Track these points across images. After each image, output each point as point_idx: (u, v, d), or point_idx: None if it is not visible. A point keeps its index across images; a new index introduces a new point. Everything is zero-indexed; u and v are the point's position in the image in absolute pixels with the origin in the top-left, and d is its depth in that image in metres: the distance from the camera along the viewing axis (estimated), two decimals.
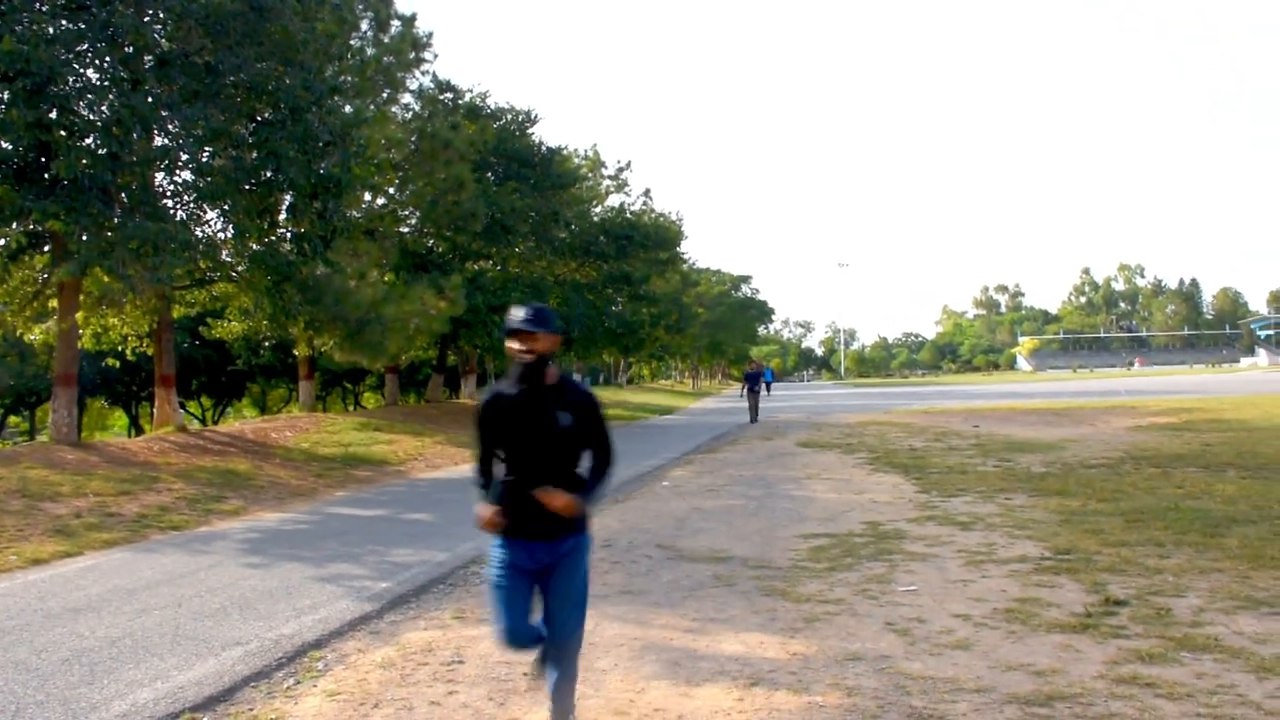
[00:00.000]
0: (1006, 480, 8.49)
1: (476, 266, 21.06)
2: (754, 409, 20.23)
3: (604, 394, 34.11)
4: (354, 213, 14.81)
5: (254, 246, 11.26)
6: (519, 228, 18.95)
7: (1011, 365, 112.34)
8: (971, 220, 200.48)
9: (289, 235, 11.80)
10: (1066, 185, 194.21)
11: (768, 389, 35.61)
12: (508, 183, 19.58)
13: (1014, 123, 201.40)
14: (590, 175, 27.16)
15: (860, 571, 5.04)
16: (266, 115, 10.51)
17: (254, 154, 10.36)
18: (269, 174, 10.41)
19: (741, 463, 11.52)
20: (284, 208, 11.70)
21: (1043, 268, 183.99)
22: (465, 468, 11.93)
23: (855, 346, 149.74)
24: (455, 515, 7.73)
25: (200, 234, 10.82)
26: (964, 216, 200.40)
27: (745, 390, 20.89)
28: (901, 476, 9.27)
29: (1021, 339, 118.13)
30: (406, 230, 18.79)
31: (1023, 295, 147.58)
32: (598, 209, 26.35)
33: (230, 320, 15.43)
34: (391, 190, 17.66)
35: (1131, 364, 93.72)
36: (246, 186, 10.45)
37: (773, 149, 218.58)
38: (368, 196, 16.80)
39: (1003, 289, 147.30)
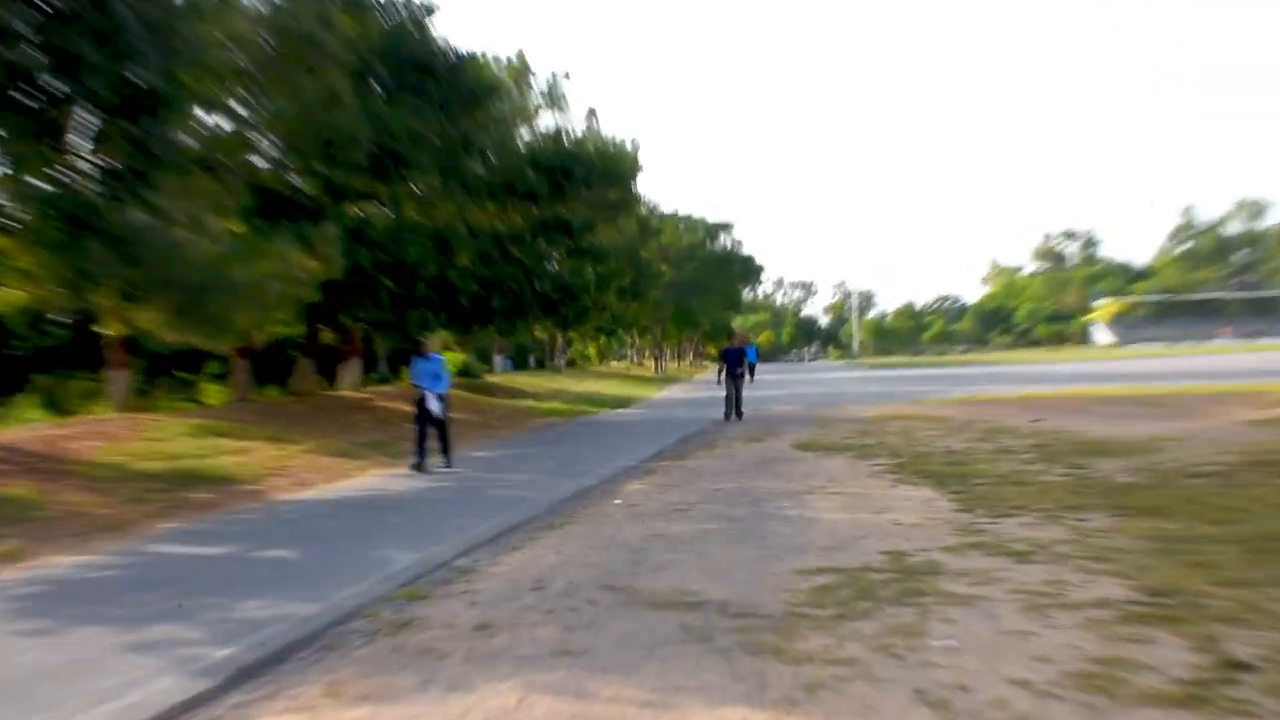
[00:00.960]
0: (1079, 494, 8.56)
1: (359, 212, 20.62)
2: (734, 400, 19.68)
3: (535, 381, 34.05)
4: (185, 138, 14.27)
5: (38, 184, 10.73)
6: (417, 159, 18.57)
7: (1084, 337, 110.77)
8: (1027, 143, 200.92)
9: (92, 169, 11.30)
10: (1160, 95, 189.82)
11: (751, 373, 35.92)
12: (401, 98, 19.15)
13: (1079, 8, 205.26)
14: (515, 90, 26.78)
15: (880, 620, 5.01)
16: (54, 1, 9.97)
17: (35, 55, 9.83)
18: (58, 83, 9.89)
19: (720, 472, 11.53)
20: (84, 132, 11.19)
21: (1126, 207, 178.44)
22: (347, 484, 11.73)
23: (872, 314, 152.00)
24: (332, 550, 7.57)
25: None
26: (1016, 137, 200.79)
27: (722, 374, 20.14)
28: (935, 489, 9.33)
29: (1097, 302, 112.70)
30: (261, 163, 18.27)
31: (1098, 244, 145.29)
32: (525, 134, 26.02)
33: (6, 286, 14.75)
34: (239, 108, 17.08)
35: (1213, 336, 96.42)
36: (23, 100, 9.91)
37: (754, 55, 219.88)
38: (205, 116, 16.22)
39: (1071, 236, 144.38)
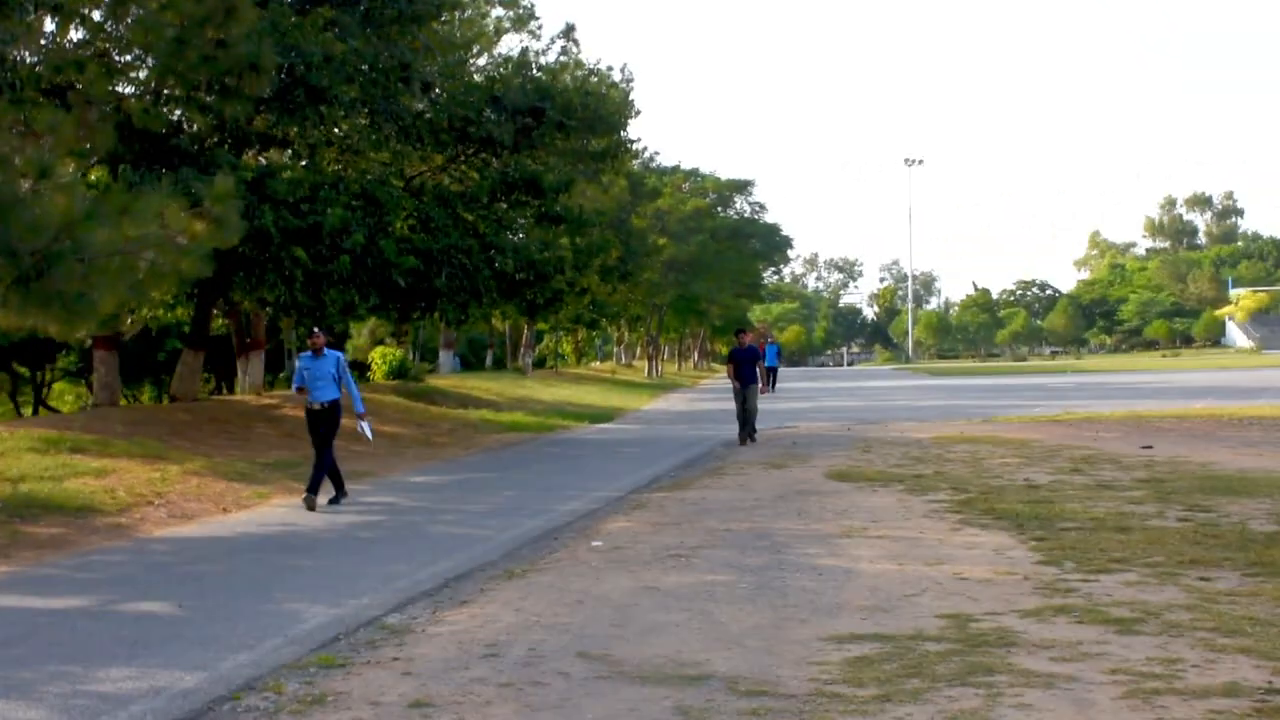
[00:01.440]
0: (1202, 545, 8.61)
1: (262, 160, 20.56)
2: (747, 414, 19.38)
3: (492, 386, 34.08)
4: (24, 54, 14.21)
5: None
6: (340, 91, 18.51)
7: (1216, 338, 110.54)
8: (1142, 81, 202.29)
9: None
10: None
11: (771, 380, 36.11)
12: (317, 10, 19.10)
13: None
14: (470, 2, 26.76)
15: (934, 705, 5.02)
16: None
17: None
18: None
19: (730, 508, 11.54)
20: None
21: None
22: (244, 517, 11.73)
23: (933, 305, 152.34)
24: (222, 603, 7.58)
25: None
26: (1127, 74, 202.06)
27: (733, 379, 19.66)
28: (1011, 535, 9.37)
29: (1235, 291, 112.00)
30: (129, 91, 18.18)
31: (1240, 214, 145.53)
32: (483, 60, 26.01)
33: None
34: (97, 15, 17.02)
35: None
36: None
37: None
38: (49, 26, 16.16)
39: (1202, 202, 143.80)
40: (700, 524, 10.53)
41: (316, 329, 13.12)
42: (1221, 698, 5.02)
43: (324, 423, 12.63)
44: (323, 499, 12.42)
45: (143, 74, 18.34)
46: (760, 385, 19.85)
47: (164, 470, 13.81)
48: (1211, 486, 11.86)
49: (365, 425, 13.30)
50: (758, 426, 19.64)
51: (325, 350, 12.83)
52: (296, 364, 13.48)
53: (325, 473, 12.48)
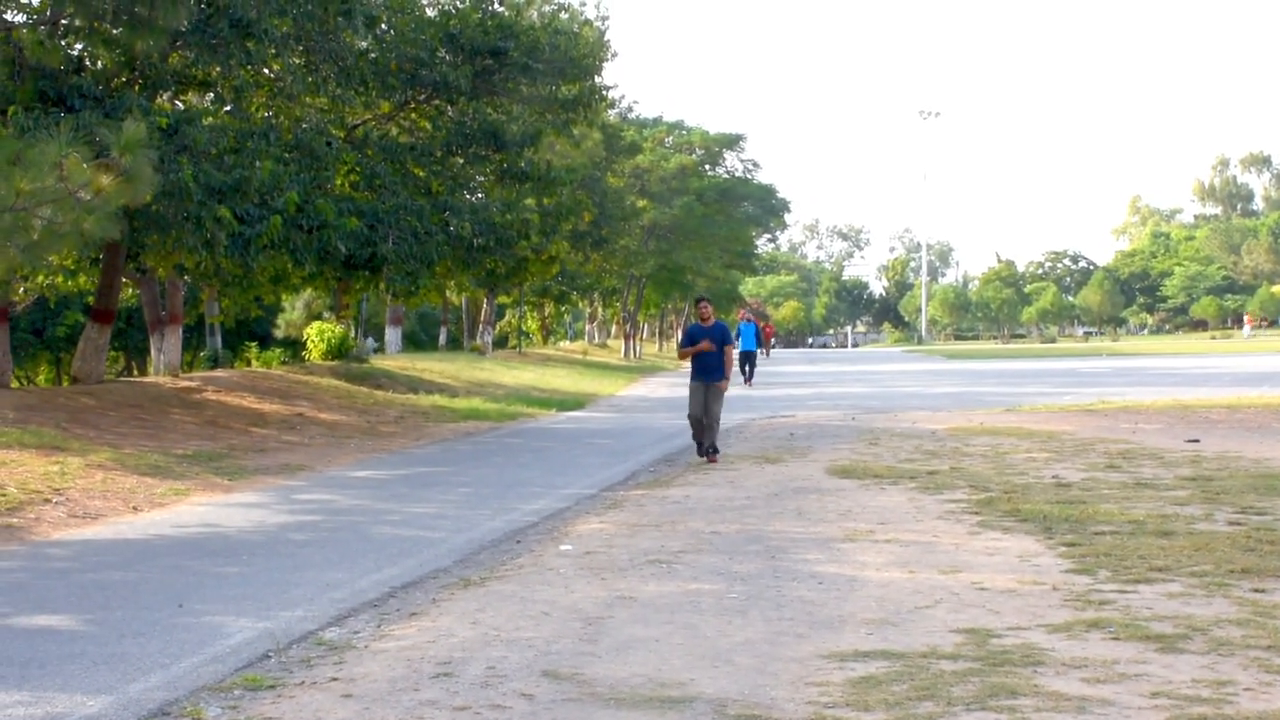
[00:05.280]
0: (1255, 552, 8.66)
1: (179, 104, 20.40)
2: (703, 417, 15.77)
3: (447, 368, 34.04)
4: None
5: None
6: (270, 24, 18.39)
7: (1275, 318, 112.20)
8: (1187, 23, 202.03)
9: None
10: None
11: (750, 370, 34.46)
12: None
13: None
14: None
15: None
16: None
17: None
18: None
19: (719, 507, 11.57)
20: None
21: None
22: (159, 516, 11.67)
23: (949, 279, 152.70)
24: (132, 616, 7.54)
25: None
26: (1170, 13, 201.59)
27: (690, 361, 16.51)
28: (1038, 539, 9.42)
29: None
30: (20, 20, 18.01)
31: None
32: None
33: None
34: None
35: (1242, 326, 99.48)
36: None
37: None
38: None
39: (1260, 161, 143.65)
40: (684, 525, 10.53)
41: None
42: None
43: None
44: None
45: (38, 2, 18.16)
46: (725, 380, 16.10)
47: (63, 463, 13.69)
48: (1267, 486, 11.95)
49: None
50: (718, 446, 16.05)
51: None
52: None
53: None
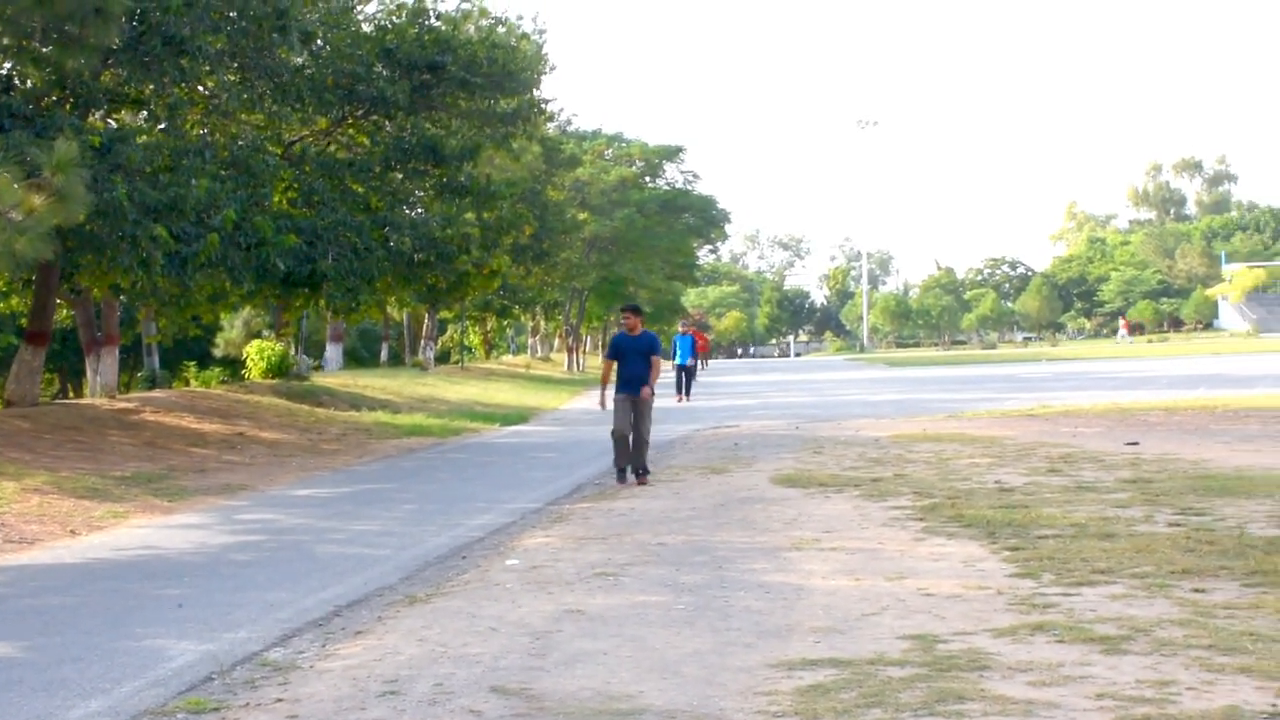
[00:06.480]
0: (1195, 553, 8.71)
1: (112, 122, 20.17)
2: (637, 440, 14.83)
3: (389, 384, 33.82)
4: None
5: None
6: (204, 41, 18.28)
7: (1208, 321, 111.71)
8: (1120, 33, 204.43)
9: None
10: None
11: (686, 384, 32.16)
12: None
13: None
14: None
15: None
16: None
17: None
18: None
19: (664, 519, 11.56)
20: None
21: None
22: (96, 539, 11.52)
23: (890, 287, 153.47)
24: (69, 641, 7.45)
25: None
26: (1103, 24, 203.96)
27: (606, 390, 15.81)
28: (982, 544, 9.46)
29: (1229, 268, 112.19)
30: None
31: (1234, 180, 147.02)
32: (372, 7, 25.85)
33: None
34: None
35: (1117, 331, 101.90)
36: None
37: None
38: None
39: (1192, 167, 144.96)
40: (630, 538, 10.50)
41: None
42: None
43: None
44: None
45: None
46: (648, 388, 14.73)
47: None
48: (1205, 487, 12.04)
49: None
50: (648, 468, 15.00)
51: None
52: None
53: None
